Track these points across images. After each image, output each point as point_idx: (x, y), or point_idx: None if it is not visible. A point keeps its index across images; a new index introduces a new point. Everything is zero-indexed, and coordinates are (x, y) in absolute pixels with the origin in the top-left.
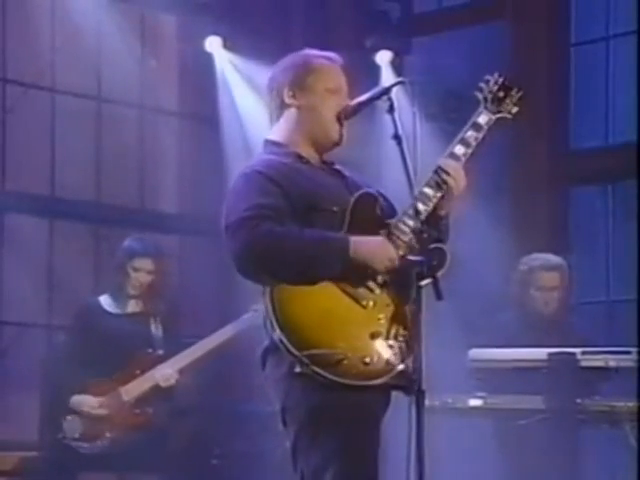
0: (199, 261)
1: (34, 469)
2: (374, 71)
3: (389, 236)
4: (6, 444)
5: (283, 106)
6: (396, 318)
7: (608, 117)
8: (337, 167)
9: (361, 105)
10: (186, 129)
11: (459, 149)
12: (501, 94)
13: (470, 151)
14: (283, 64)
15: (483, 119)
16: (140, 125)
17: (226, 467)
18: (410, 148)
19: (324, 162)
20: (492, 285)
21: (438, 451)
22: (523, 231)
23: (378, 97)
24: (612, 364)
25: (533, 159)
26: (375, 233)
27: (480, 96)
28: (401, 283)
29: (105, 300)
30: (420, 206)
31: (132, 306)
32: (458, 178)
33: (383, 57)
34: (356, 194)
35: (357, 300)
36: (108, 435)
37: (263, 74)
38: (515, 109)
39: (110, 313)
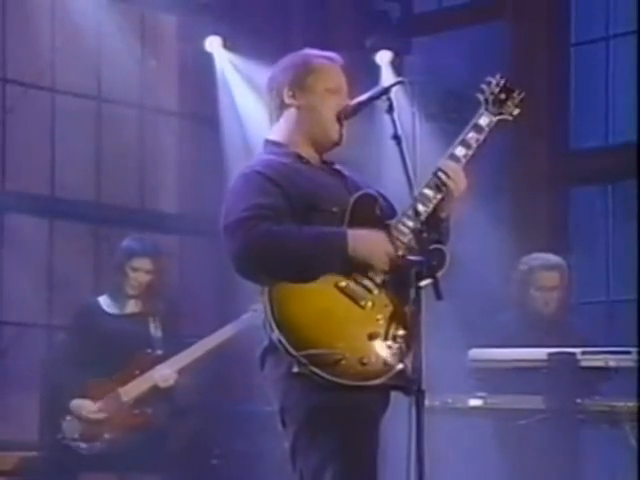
0: (199, 261)
1: (34, 469)
2: (374, 71)
3: (389, 236)
4: (6, 444)
5: (283, 106)
6: (395, 318)
7: (608, 117)
8: (337, 167)
9: (361, 105)
10: (186, 129)
11: (460, 150)
12: (502, 96)
13: (471, 153)
14: (283, 64)
15: (484, 121)
16: (140, 125)
17: (226, 467)
18: (410, 148)
19: (324, 162)
20: (492, 285)
21: (438, 451)
22: (523, 231)
23: (378, 97)
24: (612, 364)
25: (533, 159)
26: None
27: (481, 98)
28: (400, 283)
29: (104, 300)
30: (420, 207)
31: (131, 306)
32: (458, 180)
33: (383, 57)
34: (355, 195)
35: (355, 300)
36: (107, 436)
37: (263, 74)
38: (516, 111)
39: (109, 313)
